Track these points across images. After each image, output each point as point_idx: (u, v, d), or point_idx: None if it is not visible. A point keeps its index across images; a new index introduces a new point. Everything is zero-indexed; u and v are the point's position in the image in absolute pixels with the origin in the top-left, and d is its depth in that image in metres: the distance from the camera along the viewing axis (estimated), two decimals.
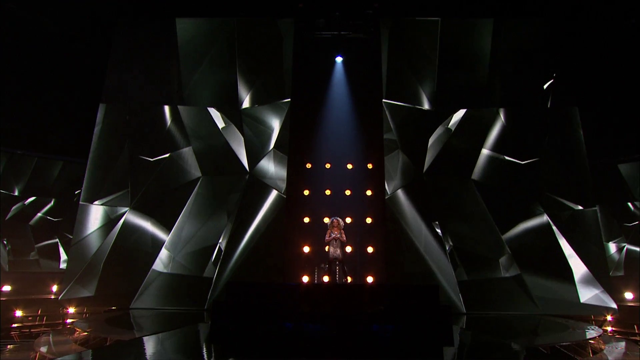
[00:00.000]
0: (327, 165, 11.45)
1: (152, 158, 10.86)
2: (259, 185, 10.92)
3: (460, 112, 10.93)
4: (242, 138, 11.06)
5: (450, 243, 10.34)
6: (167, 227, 10.55)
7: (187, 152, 10.96)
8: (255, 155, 11.06)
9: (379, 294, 6.52)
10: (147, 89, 11.01)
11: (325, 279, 10.00)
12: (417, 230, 10.53)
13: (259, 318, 5.89)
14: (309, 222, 11.06)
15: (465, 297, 9.86)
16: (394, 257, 10.39)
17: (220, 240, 10.59)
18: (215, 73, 11.11)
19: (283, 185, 10.84)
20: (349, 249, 10.62)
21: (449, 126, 10.99)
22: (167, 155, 10.92)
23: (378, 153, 11.05)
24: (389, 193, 10.79)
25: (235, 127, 11.14)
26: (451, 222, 10.48)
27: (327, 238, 9.09)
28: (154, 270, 10.26)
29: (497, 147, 10.73)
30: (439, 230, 10.39)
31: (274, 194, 10.92)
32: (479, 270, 10.12)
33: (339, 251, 9.17)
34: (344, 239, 9.17)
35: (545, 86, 10.78)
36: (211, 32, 11.18)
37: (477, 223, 10.35)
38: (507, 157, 10.64)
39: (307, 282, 10.50)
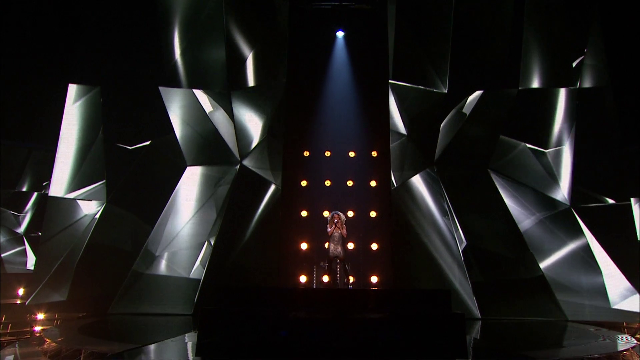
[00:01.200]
0: (327, 153, 11.33)
1: (130, 146, 10.74)
2: (252, 176, 10.84)
3: (476, 94, 10.79)
4: (232, 124, 10.88)
5: (464, 240, 10.28)
6: (149, 223, 10.46)
7: (171, 139, 10.83)
8: (247, 142, 10.98)
9: (384, 299, 6.46)
10: (124, 68, 10.77)
11: (325, 278, 9.90)
12: (426, 225, 10.52)
13: (252, 326, 5.80)
14: (306, 217, 10.91)
15: (480, 301, 9.80)
16: (401, 255, 10.31)
17: (208, 238, 10.52)
18: (201, 49, 10.96)
19: (278, 176, 10.82)
20: (351, 245, 10.52)
21: (463, 110, 10.89)
22: (147, 142, 10.82)
23: (383, 139, 10.95)
24: (395, 184, 10.77)
25: (224, 112, 11.06)
26: (465, 216, 10.41)
27: (329, 230, 8.97)
28: (134, 271, 10.18)
29: (517, 133, 10.60)
30: (451, 226, 10.31)
31: (268, 185, 10.81)
32: (496, 270, 10.08)
33: (340, 248, 8.99)
34: (345, 234, 9.02)
35: (574, 64, 10.60)
36: (196, 1, 10.98)
37: (495, 218, 10.28)
38: (528, 145, 10.55)
39: (305, 282, 10.40)
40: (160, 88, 10.78)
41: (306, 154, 11.27)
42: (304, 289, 7.49)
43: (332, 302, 6.49)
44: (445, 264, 10.22)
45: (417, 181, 10.79)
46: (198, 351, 6.00)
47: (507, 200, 10.29)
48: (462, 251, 10.17)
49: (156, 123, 10.79)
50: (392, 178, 10.83)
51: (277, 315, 5.90)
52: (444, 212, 10.45)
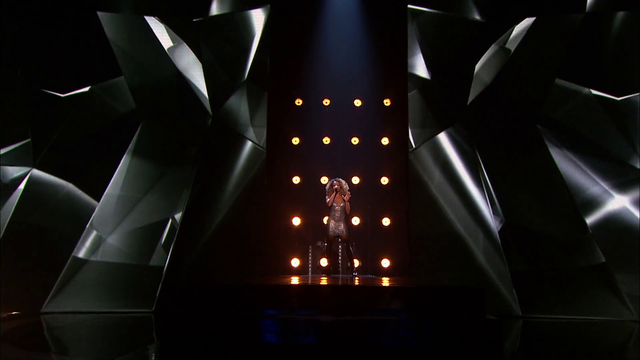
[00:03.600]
0: (326, 102, 11.11)
1: (62, 93, 10.20)
2: (227, 134, 10.56)
3: (525, 23, 10.18)
4: (200, 64, 10.51)
5: (503, 218, 10.04)
6: (94, 196, 10.10)
7: (118, 84, 10.38)
8: (220, 89, 10.63)
9: (397, 297, 6.21)
10: None
11: (324, 262, 9.84)
12: (453, 198, 10.37)
13: (231, 333, 5.69)
14: (299, 184, 10.81)
15: (522, 295, 9.63)
16: (420, 234, 10.18)
17: (172, 214, 10.23)
18: None
19: (262, 133, 10.58)
20: (356, 221, 10.48)
21: (506, 45, 10.37)
22: (86, 89, 10.32)
23: (399, 84, 10.73)
24: (413, 144, 10.46)
25: (189, 48, 10.58)
26: (505, 187, 10.11)
27: (328, 202, 8.95)
28: (75, 257, 9.87)
29: (579, 75, 9.94)
30: (486, 199, 10.09)
31: (248, 146, 10.60)
32: (543, 257, 9.84)
33: (342, 225, 8.91)
34: (349, 208, 8.95)
35: None
36: None
37: (544, 190, 9.96)
38: (594, 91, 9.87)
39: (298, 266, 10.46)
40: (100, 14, 10.20)
41: (299, 102, 11.07)
42: (298, 285, 7.07)
43: (333, 300, 6.26)
44: (478, 248, 10.05)
45: (443, 140, 10.52)
46: None
47: (562, 166, 9.89)
48: (499, 231, 9.95)
49: (97, 62, 10.33)
50: (410, 136, 10.47)
51: (263, 319, 5.76)
52: (476, 181, 10.24)
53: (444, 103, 10.57)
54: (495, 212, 10.10)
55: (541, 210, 9.95)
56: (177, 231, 10.10)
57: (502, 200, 10.09)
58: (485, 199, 10.10)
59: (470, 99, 10.38)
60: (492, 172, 10.19)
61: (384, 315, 5.99)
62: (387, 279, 9.22)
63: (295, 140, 10.88)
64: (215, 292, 6.29)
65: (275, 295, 6.39)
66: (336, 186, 8.91)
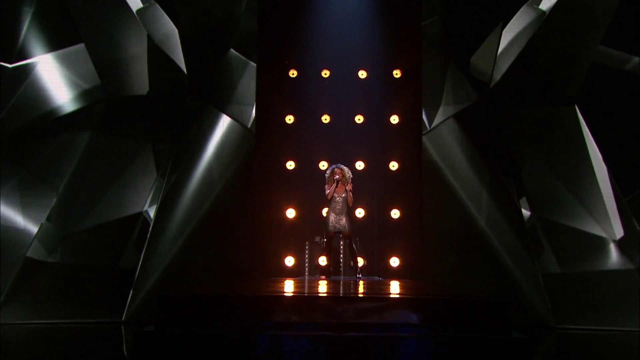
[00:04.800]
0: (325, 73, 10.85)
1: (10, 63, 9.93)
2: (209, 114, 10.26)
3: None
4: (176, 30, 10.15)
5: (533, 212, 9.84)
6: (51, 186, 9.84)
7: (78, 53, 10.05)
8: (199, 60, 10.30)
9: (406, 310, 5.82)
10: None
11: (323, 260, 9.63)
12: (474, 188, 10.07)
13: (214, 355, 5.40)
14: (294, 170, 10.62)
15: (556, 303, 9.38)
16: (435, 230, 9.96)
17: (145, 208, 9.98)
18: None
19: (250, 111, 10.32)
20: (360, 212, 10.35)
21: (539, 5, 10.07)
22: (35, 58, 10.02)
23: (412, 52, 10.50)
24: (428, 125, 10.24)
25: (161, 10, 10.25)
26: (536, 177, 9.94)
27: (327, 193, 8.84)
28: (29, 259, 9.55)
29: (629, 41, 9.64)
30: (512, 190, 9.93)
31: (234, 126, 10.30)
32: (581, 257, 9.62)
33: (344, 219, 8.76)
34: (352, 199, 8.83)
35: None
36: None
37: (581, 179, 9.72)
38: None
39: (293, 265, 10.38)
40: None
41: (293, 74, 10.84)
42: (291, 297, 6.54)
43: (333, 314, 5.81)
44: (502, 246, 9.79)
45: (463, 119, 10.32)
46: None
47: (602, 152, 9.70)
48: (528, 228, 9.77)
49: (52, 27, 10.00)
50: (424, 115, 10.23)
51: (249, 338, 5.46)
52: (501, 169, 10.00)
53: (465, 75, 10.27)
54: (523, 205, 9.85)
55: (578, 203, 9.67)
56: (151, 227, 9.85)
57: (532, 191, 9.98)
58: (513, 190, 9.85)
59: (495, 71, 10.07)
60: (521, 158, 10.07)
61: (387, 332, 5.64)
62: (397, 283, 8.81)
63: (289, 119, 10.69)
64: (193, 304, 5.84)
65: (261, 309, 5.89)
66: (337, 176, 8.74)
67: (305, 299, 6.50)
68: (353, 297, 6.54)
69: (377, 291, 7.24)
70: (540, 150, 9.90)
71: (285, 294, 6.54)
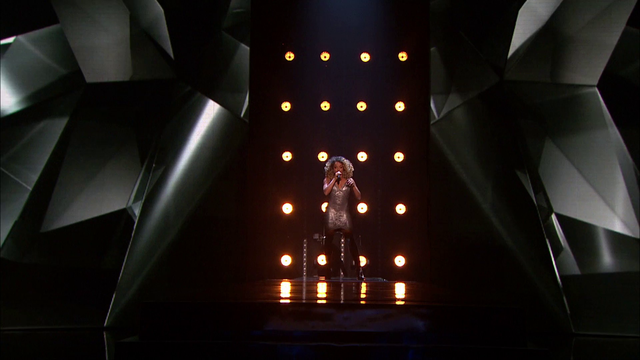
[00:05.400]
0: (324, 56, 10.80)
1: None
2: (198, 101, 10.02)
3: None
4: (162, 10, 9.84)
5: (549, 207, 9.55)
6: (24, 180, 9.59)
7: (54, 34, 9.79)
8: (187, 42, 10.02)
9: (414, 316, 5.62)
10: None
11: (322, 260, 9.65)
12: (486, 181, 9.83)
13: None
14: (291, 161, 10.62)
15: (576, 307, 9.15)
16: (443, 227, 9.74)
17: (129, 204, 9.74)
18: None
19: (243, 98, 10.04)
20: (363, 208, 10.33)
21: None
22: (10, 40, 9.74)
23: (419, 34, 10.36)
24: (437, 114, 9.97)
25: None
26: (553, 169, 9.65)
27: (326, 188, 8.81)
28: (2, 259, 9.39)
29: None
30: (528, 183, 9.63)
31: (225, 115, 10.07)
32: (602, 258, 9.37)
33: (345, 216, 8.74)
34: (359, 192, 8.82)
35: None
36: None
37: (604, 172, 9.44)
38: None
39: (290, 265, 10.32)
40: None
41: (289, 57, 10.81)
42: (288, 304, 6.22)
43: (333, 321, 5.58)
44: (516, 245, 9.50)
45: (475, 107, 10.03)
46: None
47: (626, 141, 9.45)
48: (545, 225, 9.49)
49: (25, 5, 9.71)
50: (432, 102, 9.98)
51: (247, 348, 5.33)
52: (516, 162, 9.67)
53: (478, 59, 9.91)
54: (540, 200, 9.53)
55: (601, 200, 9.43)
56: (135, 225, 9.54)
57: (550, 186, 9.54)
58: (529, 183, 9.53)
59: (512, 50, 9.72)
60: (538, 150, 9.69)
61: (392, 342, 5.42)
62: (402, 286, 8.64)
63: (286, 106, 10.58)
64: (181, 312, 5.61)
65: (255, 317, 5.62)
66: (338, 171, 8.64)
67: (303, 306, 6.19)
68: (355, 304, 6.27)
69: (382, 296, 7.13)
70: (559, 142, 9.59)
71: (281, 300, 6.34)
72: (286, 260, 10.16)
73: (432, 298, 7.24)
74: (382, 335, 5.41)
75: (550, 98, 9.76)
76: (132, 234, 9.58)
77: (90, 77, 9.81)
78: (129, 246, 9.51)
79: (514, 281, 9.33)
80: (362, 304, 6.25)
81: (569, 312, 9.15)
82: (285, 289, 7.89)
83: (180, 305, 5.83)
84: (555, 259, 9.36)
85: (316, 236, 10.23)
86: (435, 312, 5.61)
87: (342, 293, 7.34)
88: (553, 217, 9.61)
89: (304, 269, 10.34)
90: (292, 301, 6.49)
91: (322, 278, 9.20)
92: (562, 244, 9.46)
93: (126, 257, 9.46)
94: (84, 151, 9.77)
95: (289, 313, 5.66)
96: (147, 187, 9.70)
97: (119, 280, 9.35)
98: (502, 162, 9.80)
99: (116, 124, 9.92)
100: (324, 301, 6.52)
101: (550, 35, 9.72)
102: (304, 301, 6.93)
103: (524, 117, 9.79)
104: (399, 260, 10.01)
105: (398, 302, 6.35)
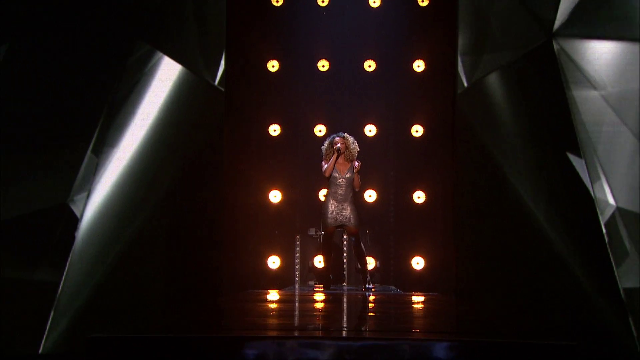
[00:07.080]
0: (322, 0, 10.53)
1: None
2: (159, 64, 9.11)
3: None
4: None
5: (611, 201, 8.56)
6: None
7: None
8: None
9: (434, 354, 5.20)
10: None
11: (319, 261, 9.53)
12: (530, 167, 8.98)
13: None
14: (279, 137, 10.44)
15: None
16: (473, 219, 9.04)
17: (71, 197, 8.77)
18: None
19: (218, 59, 9.17)
20: (371, 196, 10.23)
21: None
22: None
23: None
24: (465, 80, 9.10)
25: None
26: (615, 153, 8.66)
27: (325, 169, 8.71)
28: None
29: None
30: (584, 169, 8.58)
31: (195, 81, 9.19)
32: None
33: (348, 209, 8.61)
34: (358, 181, 8.70)
35: None
36: None
37: None
38: None
39: (279, 267, 10.06)
40: None
41: (277, 2, 10.55)
42: (269, 337, 5.75)
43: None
44: (566, 247, 8.49)
45: (514, 73, 9.03)
46: None
47: None
48: (605, 222, 8.45)
49: None
50: (460, 64, 8.99)
51: None
52: (568, 143, 8.62)
53: (520, 11, 8.87)
54: (598, 191, 8.45)
55: None
56: (80, 224, 8.36)
57: (612, 173, 8.46)
58: (585, 170, 8.41)
59: (562, 6, 8.71)
60: (597, 128, 8.56)
61: None
62: (421, 300, 8.05)
63: (273, 66, 10.33)
64: (136, 349, 5.27)
65: (229, 354, 5.17)
66: (339, 144, 8.43)
67: (289, 342, 5.48)
68: (358, 337, 5.78)
69: (394, 322, 6.57)
70: (624, 117, 8.48)
71: (263, 332, 5.84)
72: (274, 262, 9.86)
73: (459, 324, 6.98)
74: None
75: (614, 62, 8.58)
76: (76, 235, 8.42)
77: (19, 31, 8.54)
78: (71, 251, 8.34)
79: (563, 293, 8.34)
80: (368, 337, 5.79)
81: (635, 333, 8.02)
82: (270, 308, 7.46)
83: (135, 340, 5.37)
84: (617, 268, 8.25)
85: (312, 231, 9.90)
86: (464, 350, 5.04)
87: (344, 318, 6.84)
88: (615, 212, 8.49)
89: (297, 274, 10.09)
90: (278, 333, 5.93)
91: (320, 287, 8.66)
92: (627, 247, 8.35)
93: (67, 264, 8.30)
94: (11, 132, 8.57)
95: (273, 352, 5.14)
96: (94, 175, 8.49)
97: (57, 295, 8.19)
98: (549, 142, 8.74)
99: (53, 90, 8.65)
100: (318, 331, 6.14)
101: None
102: (295, 333, 6.17)
103: (579, 86, 8.68)
104: (417, 263, 9.70)
105: (414, 334, 5.78)
